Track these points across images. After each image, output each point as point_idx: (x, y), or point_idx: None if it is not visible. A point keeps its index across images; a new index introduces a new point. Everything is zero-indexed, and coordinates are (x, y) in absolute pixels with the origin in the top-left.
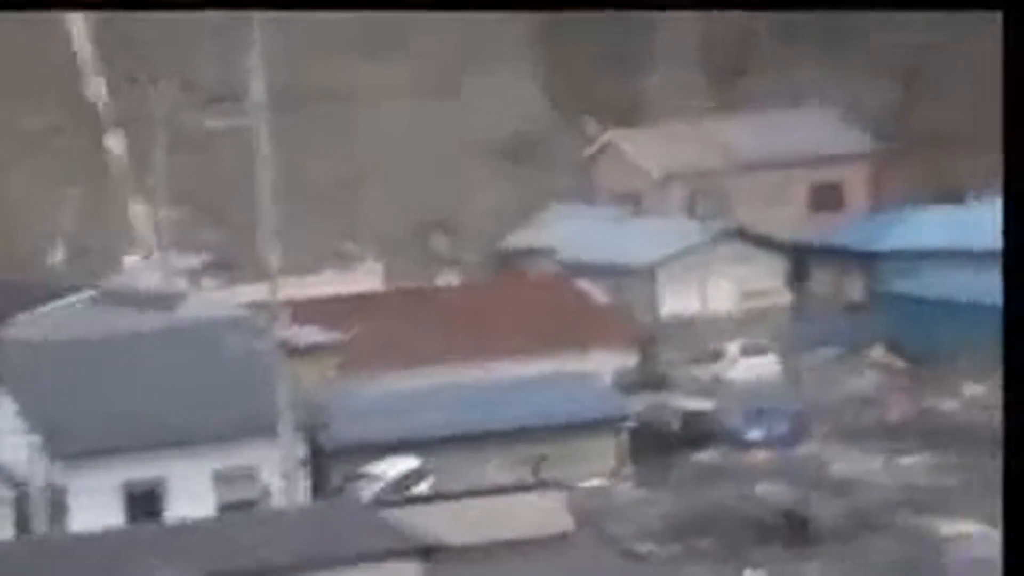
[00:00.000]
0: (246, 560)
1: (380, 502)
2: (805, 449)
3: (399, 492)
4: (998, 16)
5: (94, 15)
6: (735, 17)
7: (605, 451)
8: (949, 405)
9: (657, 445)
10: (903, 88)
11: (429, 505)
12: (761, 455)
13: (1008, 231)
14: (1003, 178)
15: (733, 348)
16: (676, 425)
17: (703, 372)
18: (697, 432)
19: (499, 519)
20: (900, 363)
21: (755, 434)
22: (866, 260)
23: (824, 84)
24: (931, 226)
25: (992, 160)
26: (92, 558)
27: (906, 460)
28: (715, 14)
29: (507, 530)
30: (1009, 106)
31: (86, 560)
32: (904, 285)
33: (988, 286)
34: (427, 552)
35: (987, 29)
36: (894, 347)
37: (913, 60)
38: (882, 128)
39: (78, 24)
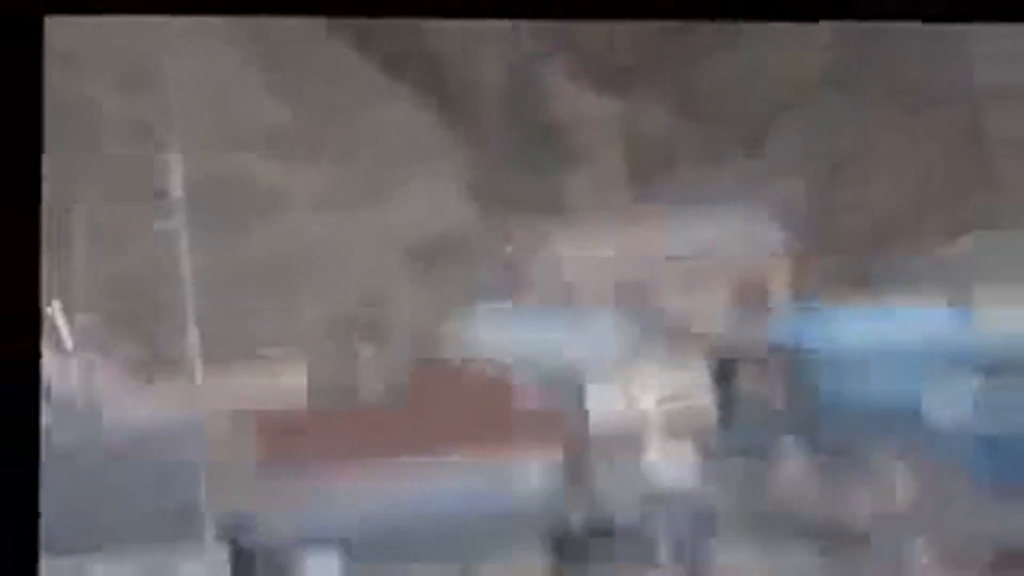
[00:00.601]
0: None
1: None
2: (710, 548)
3: None
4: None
5: None
6: (658, 114)
7: (530, 554)
8: (864, 504)
9: (573, 546)
10: (823, 187)
11: None
12: (664, 553)
13: None
14: None
15: (655, 447)
16: (592, 526)
17: (625, 472)
18: (609, 532)
19: None
20: (818, 461)
21: (661, 534)
22: (790, 360)
23: (746, 182)
24: (853, 325)
25: (911, 261)
26: None
27: (815, 559)
28: (639, 109)
29: None
30: None
31: None
32: (826, 383)
33: (908, 385)
34: None
35: (904, 129)
36: (813, 445)
37: (831, 159)
38: (804, 226)
39: None
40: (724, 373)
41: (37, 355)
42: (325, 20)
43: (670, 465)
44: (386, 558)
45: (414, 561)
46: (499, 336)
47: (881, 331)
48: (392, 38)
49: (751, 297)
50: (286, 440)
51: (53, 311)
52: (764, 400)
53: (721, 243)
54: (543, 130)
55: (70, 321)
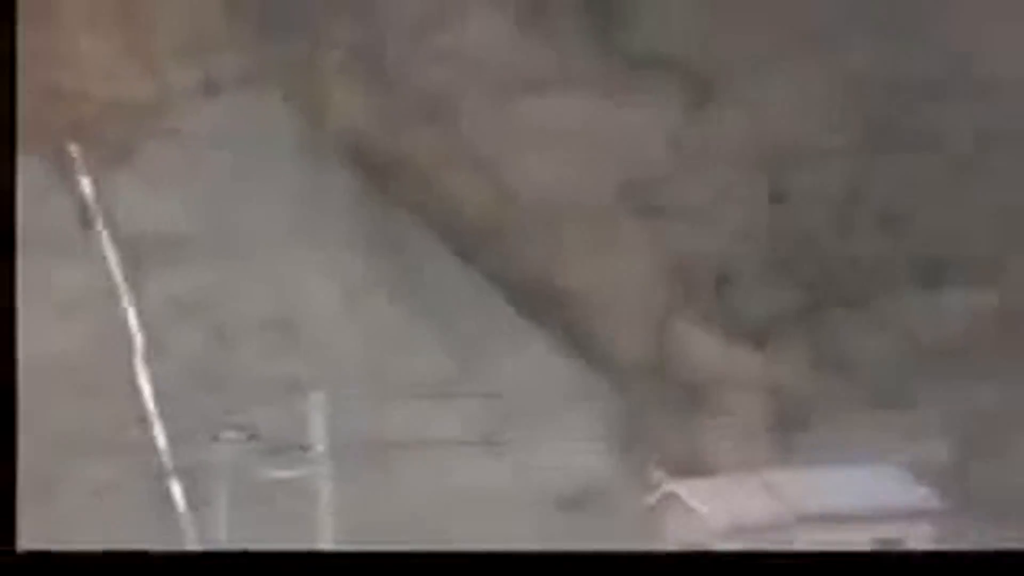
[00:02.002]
0: None
1: None
2: None
3: None
4: None
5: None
6: (797, 369)
7: None
8: None
9: None
10: (963, 446)
11: None
12: None
13: None
14: None
15: None
16: None
17: None
18: None
19: None
20: None
21: None
22: None
23: (885, 441)
24: None
25: None
26: None
27: None
28: (778, 363)
29: None
30: None
31: None
32: None
33: None
34: None
35: None
36: None
37: (971, 420)
38: (944, 486)
39: (143, 375)
40: None
41: None
42: (475, 269)
43: None
44: None
45: None
46: None
47: None
48: (536, 287)
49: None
50: None
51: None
52: None
53: (861, 500)
54: (684, 383)
55: None
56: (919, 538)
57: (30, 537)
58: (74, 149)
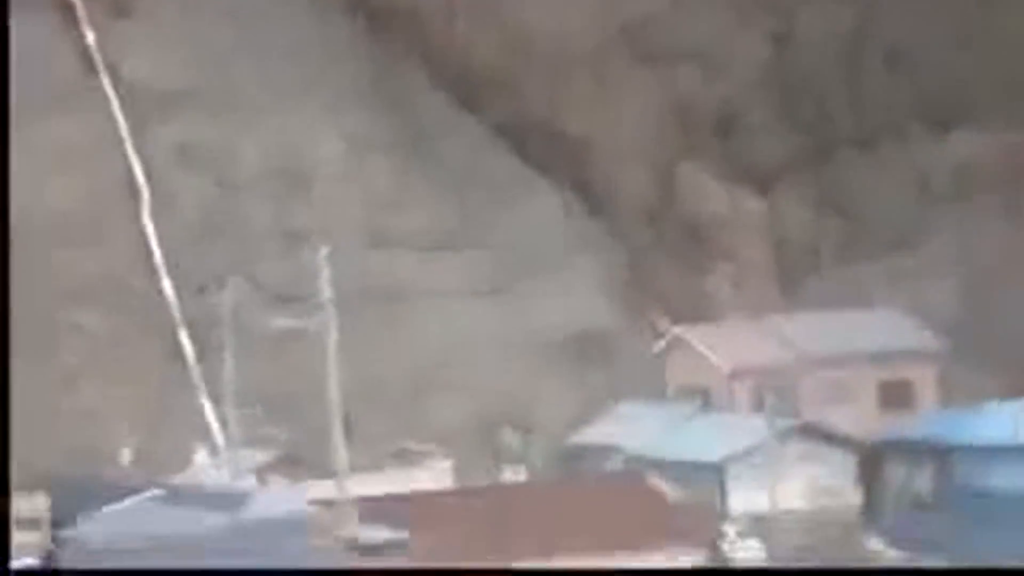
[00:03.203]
0: None
1: None
2: None
3: None
4: None
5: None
6: (802, 213)
7: None
8: None
9: None
10: (968, 290)
11: None
12: None
13: None
14: None
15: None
16: None
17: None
18: None
19: None
20: (969, 563)
21: None
22: (938, 457)
23: (891, 282)
24: (1002, 422)
25: None
26: None
27: None
28: (783, 207)
29: None
30: None
31: None
32: (976, 481)
33: None
34: None
35: None
36: (963, 544)
37: (976, 265)
38: (948, 329)
39: (149, 227)
40: (870, 471)
41: None
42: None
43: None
44: None
45: None
46: (644, 433)
47: None
48: (540, 135)
49: (897, 396)
50: (429, 535)
51: (206, 410)
52: (911, 497)
53: (867, 343)
54: (688, 228)
55: (221, 419)
56: (923, 381)
57: (35, 390)
58: (77, 3)
